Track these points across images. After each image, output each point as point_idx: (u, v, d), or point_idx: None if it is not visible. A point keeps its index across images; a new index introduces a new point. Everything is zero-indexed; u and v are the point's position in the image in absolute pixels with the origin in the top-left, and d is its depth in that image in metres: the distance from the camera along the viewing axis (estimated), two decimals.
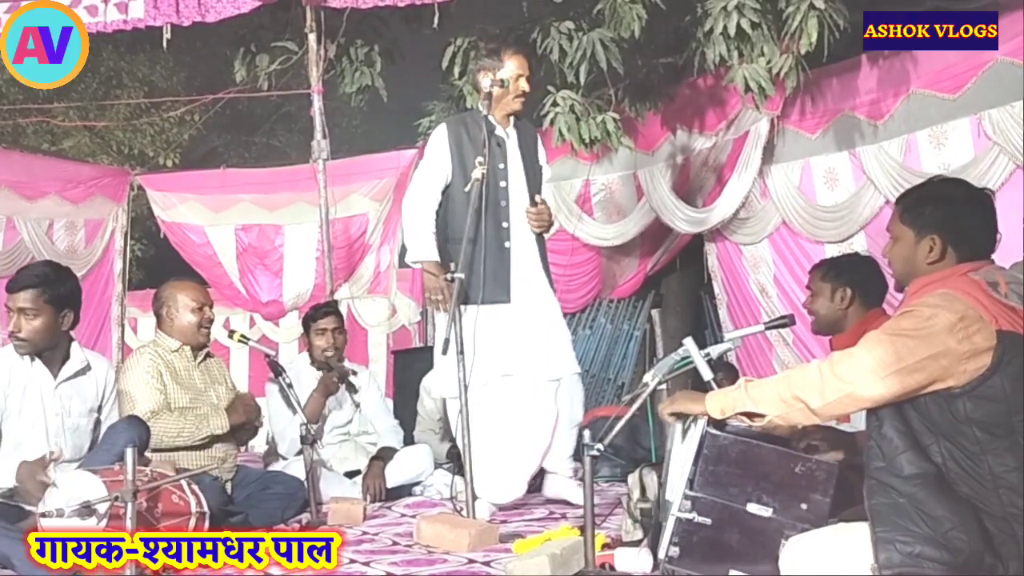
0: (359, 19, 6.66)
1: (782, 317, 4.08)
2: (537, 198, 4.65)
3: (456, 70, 6.10)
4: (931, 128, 5.10)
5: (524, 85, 4.65)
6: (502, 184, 4.58)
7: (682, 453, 2.96)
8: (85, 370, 4.04)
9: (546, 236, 4.76)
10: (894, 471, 2.38)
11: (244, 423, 4.63)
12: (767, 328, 4.14)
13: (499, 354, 4.52)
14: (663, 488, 3.24)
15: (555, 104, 5.74)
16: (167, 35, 6.27)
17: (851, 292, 3.74)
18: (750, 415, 2.65)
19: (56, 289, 3.88)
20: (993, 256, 2.58)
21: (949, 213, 2.57)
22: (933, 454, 2.39)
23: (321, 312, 5.52)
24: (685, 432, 3.00)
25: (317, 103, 6.80)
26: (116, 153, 12.83)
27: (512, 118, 4.71)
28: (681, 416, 2.95)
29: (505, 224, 4.57)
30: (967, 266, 2.51)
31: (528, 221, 4.60)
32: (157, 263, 10.74)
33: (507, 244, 4.56)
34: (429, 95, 7.30)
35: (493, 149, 4.54)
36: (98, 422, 4.10)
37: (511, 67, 4.63)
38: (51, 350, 3.94)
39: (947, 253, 2.54)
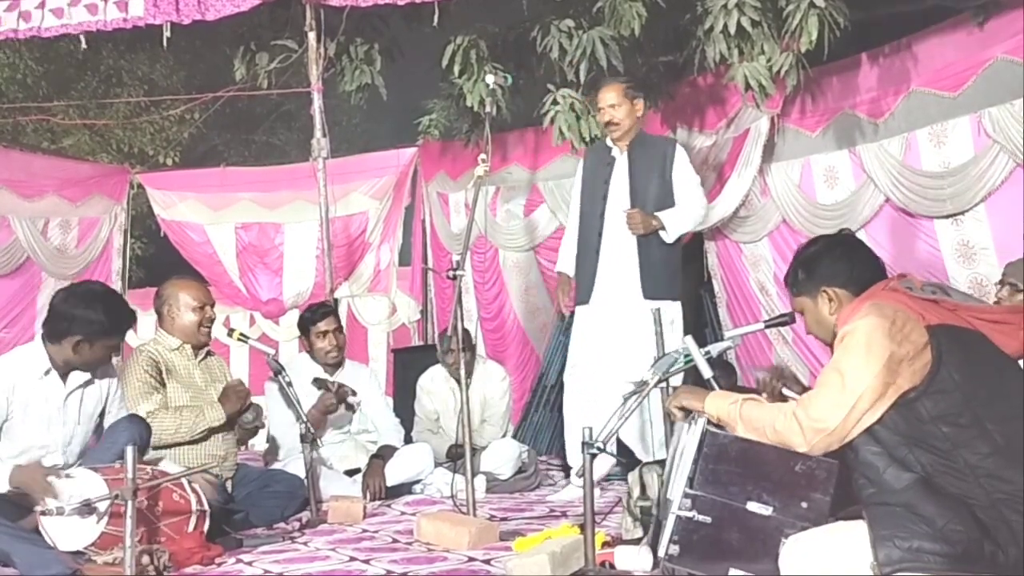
0: (359, 17, 6.65)
1: (782, 315, 4.09)
2: (623, 208, 5.16)
3: (456, 68, 6.09)
4: (931, 126, 5.09)
5: (606, 116, 5.24)
6: (604, 200, 5.25)
7: (685, 451, 2.96)
8: (91, 380, 4.03)
9: (667, 240, 5.18)
10: (885, 490, 2.45)
11: (240, 410, 4.60)
12: (767, 326, 4.15)
13: (574, 349, 5.32)
14: (666, 486, 3.25)
15: (555, 102, 5.74)
16: (167, 33, 6.26)
17: None
18: None
19: None
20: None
21: (820, 266, 2.81)
22: (911, 464, 2.46)
23: (319, 314, 5.51)
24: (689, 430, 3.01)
25: (317, 101, 6.78)
26: (116, 151, 12.80)
27: (633, 139, 5.27)
28: (687, 412, 2.99)
29: (599, 235, 5.23)
30: (880, 284, 2.68)
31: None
32: (157, 262, 10.72)
33: (598, 253, 5.22)
34: (429, 93, 7.30)
35: (601, 169, 5.33)
36: (100, 426, 4.10)
37: (599, 100, 5.29)
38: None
39: (841, 296, 2.74)
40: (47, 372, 3.86)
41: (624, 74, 5.74)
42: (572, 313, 5.52)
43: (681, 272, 5.50)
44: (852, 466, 2.57)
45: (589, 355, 5.23)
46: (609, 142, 5.35)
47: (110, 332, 3.89)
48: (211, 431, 4.47)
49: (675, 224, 5.18)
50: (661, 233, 5.17)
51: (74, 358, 3.85)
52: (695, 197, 5.27)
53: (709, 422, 2.86)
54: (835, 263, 2.79)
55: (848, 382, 2.51)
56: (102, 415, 4.09)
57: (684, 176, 5.26)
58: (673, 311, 5.17)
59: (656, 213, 5.15)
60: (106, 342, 3.89)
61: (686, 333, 3.55)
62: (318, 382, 5.31)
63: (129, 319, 4.01)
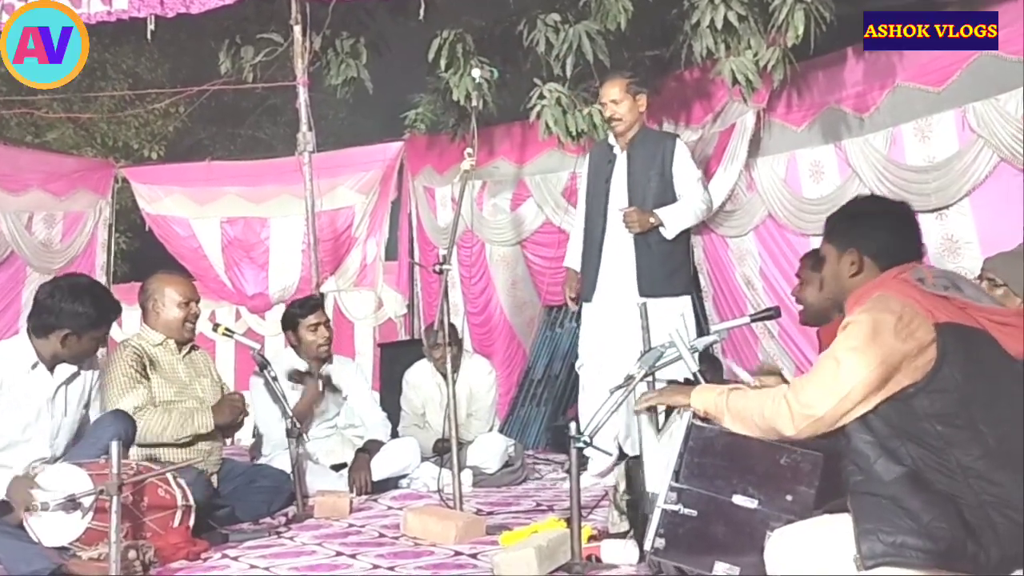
0: (344, 11, 6.64)
1: (768, 309, 4.11)
2: (621, 207, 5.19)
3: (442, 62, 6.08)
4: (916, 121, 5.11)
5: (608, 112, 5.24)
6: (605, 198, 5.29)
7: (664, 445, 2.97)
8: (78, 373, 4.01)
9: (667, 236, 5.18)
10: (873, 479, 2.44)
11: (231, 424, 4.61)
12: (753, 320, 4.17)
13: (582, 346, 5.42)
14: (641, 481, 3.26)
15: (541, 97, 5.74)
16: (151, 27, 6.23)
17: None
18: None
19: None
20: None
21: (862, 226, 2.72)
22: (902, 457, 2.44)
23: (308, 308, 5.51)
24: (662, 426, 3.02)
25: (303, 95, 6.77)
26: (100, 145, 12.73)
27: (634, 136, 5.26)
28: (653, 409, 3.00)
29: (601, 232, 5.29)
30: (895, 270, 2.62)
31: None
32: (142, 256, 10.68)
33: (601, 251, 5.28)
34: (415, 87, 7.28)
35: (604, 167, 5.34)
36: (86, 418, 4.09)
37: (602, 95, 5.30)
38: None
39: (865, 264, 2.67)
40: (34, 366, 3.86)
41: (611, 69, 5.76)
42: (561, 307, 5.56)
43: (688, 266, 5.56)
44: (843, 452, 2.55)
45: (596, 352, 5.31)
46: (612, 139, 5.36)
47: (97, 324, 3.89)
48: (197, 437, 4.46)
49: (674, 220, 5.18)
50: (661, 230, 5.17)
51: (62, 351, 3.85)
52: (695, 191, 5.27)
53: (695, 415, 2.87)
54: (878, 229, 2.70)
55: (843, 372, 2.49)
56: (87, 406, 4.09)
57: (684, 171, 5.26)
58: (680, 305, 5.21)
59: (655, 210, 5.16)
60: (94, 334, 3.89)
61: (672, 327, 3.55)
62: (296, 375, 5.31)
63: (115, 310, 4.01)
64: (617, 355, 5.04)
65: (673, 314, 5.10)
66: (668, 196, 5.23)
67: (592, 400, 5.15)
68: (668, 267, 5.25)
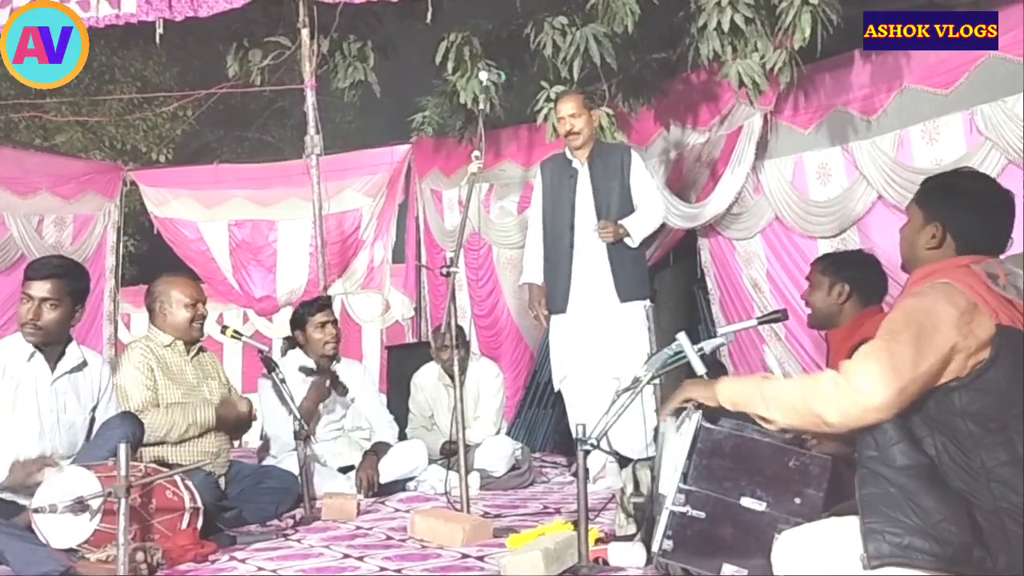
0: (352, 14, 6.65)
1: (775, 312, 4.10)
2: (597, 222, 5.28)
3: (449, 65, 6.09)
4: (923, 123, 5.10)
5: (566, 126, 5.31)
6: (571, 211, 5.37)
7: (676, 447, 2.96)
8: (81, 367, 4.05)
9: (632, 245, 5.31)
10: (886, 461, 2.37)
11: (232, 424, 4.62)
12: (760, 323, 4.16)
13: (559, 359, 5.44)
14: (656, 482, 3.25)
15: (548, 99, 5.75)
16: (160, 30, 6.26)
17: (848, 288, 3.76)
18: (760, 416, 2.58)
19: (76, 283, 3.98)
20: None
21: (956, 204, 2.57)
22: (927, 446, 2.38)
23: (316, 307, 5.54)
24: (679, 427, 3.00)
25: (310, 98, 6.79)
26: (109, 149, 12.77)
27: (591, 150, 5.37)
28: (676, 412, 2.95)
29: (570, 245, 5.36)
30: (969, 258, 2.50)
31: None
32: (150, 259, 10.69)
33: (571, 262, 5.34)
34: (422, 90, 7.30)
35: (565, 181, 5.42)
36: (93, 420, 4.10)
37: (559, 111, 5.39)
38: (54, 344, 3.95)
39: (945, 242, 2.55)
40: (32, 356, 3.91)
41: (618, 71, 5.78)
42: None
43: (648, 272, 5.67)
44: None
45: (577, 362, 5.32)
46: (569, 155, 5.43)
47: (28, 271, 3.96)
48: (204, 431, 4.47)
49: (638, 229, 5.33)
50: (626, 239, 5.29)
51: (67, 328, 3.95)
52: (654, 200, 5.43)
53: (704, 416, 2.85)
54: (972, 213, 2.56)
55: (903, 360, 2.33)
56: (94, 410, 4.10)
57: (641, 181, 5.41)
58: (645, 308, 5.30)
59: (620, 221, 5.27)
60: (25, 284, 3.91)
61: (679, 330, 3.55)
62: (305, 370, 5.33)
63: (47, 268, 3.99)
64: (605, 360, 5.15)
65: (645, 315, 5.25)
66: (627, 205, 5.36)
67: (584, 410, 5.09)
68: (638, 273, 5.40)
